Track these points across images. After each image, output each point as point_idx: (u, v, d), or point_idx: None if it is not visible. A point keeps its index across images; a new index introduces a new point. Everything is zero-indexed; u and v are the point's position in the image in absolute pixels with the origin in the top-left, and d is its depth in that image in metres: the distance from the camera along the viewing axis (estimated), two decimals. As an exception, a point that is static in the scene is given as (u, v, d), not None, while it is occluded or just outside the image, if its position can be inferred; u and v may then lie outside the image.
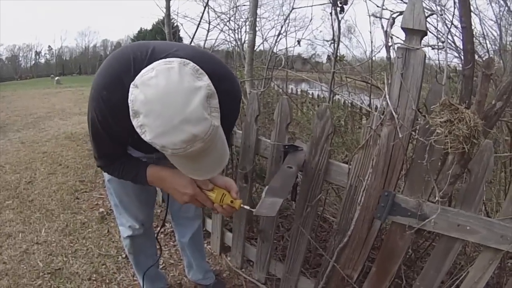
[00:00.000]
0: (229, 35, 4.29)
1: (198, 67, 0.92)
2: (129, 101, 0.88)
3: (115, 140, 1.18)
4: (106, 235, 2.78)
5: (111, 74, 1.08)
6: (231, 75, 1.22)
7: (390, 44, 1.28)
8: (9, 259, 2.44)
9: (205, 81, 0.90)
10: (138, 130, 0.88)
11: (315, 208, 1.78)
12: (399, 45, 1.28)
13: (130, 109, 0.88)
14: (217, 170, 1.07)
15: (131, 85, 0.89)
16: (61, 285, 2.20)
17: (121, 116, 0.98)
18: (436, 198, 1.31)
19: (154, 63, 0.91)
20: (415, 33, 1.24)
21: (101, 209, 3.20)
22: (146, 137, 0.87)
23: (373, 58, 2.43)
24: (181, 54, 1.03)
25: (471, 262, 1.61)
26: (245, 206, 1.23)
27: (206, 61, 1.08)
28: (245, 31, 4.40)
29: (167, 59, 0.92)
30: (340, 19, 1.86)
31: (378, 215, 1.47)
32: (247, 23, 4.32)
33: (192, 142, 0.86)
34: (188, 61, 0.91)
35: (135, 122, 0.88)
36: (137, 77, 0.89)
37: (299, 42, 2.50)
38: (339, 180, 1.66)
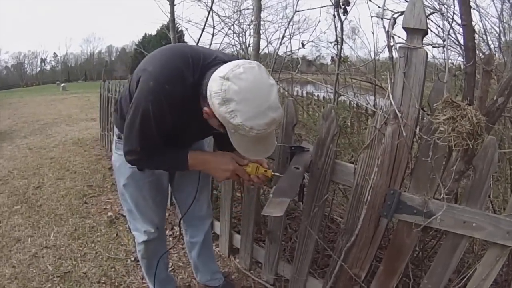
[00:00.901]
0: (233, 39, 4.31)
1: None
2: (218, 91, 1.05)
3: (163, 132, 1.28)
4: (115, 239, 2.80)
5: (173, 69, 1.20)
6: None
7: (392, 44, 1.30)
8: (19, 263, 2.47)
9: (273, 79, 1.13)
10: (227, 115, 1.05)
11: (322, 208, 1.79)
12: (401, 44, 1.29)
13: (219, 98, 1.05)
14: (270, 151, 1.25)
15: (219, 77, 1.06)
16: (70, 288, 2.22)
17: (177, 108, 1.21)
18: (442, 195, 1.31)
19: (237, 61, 1.11)
20: (416, 32, 1.25)
21: (109, 213, 3.22)
22: (237, 120, 1.05)
23: (377, 59, 2.44)
24: (225, 58, 1.24)
25: (479, 260, 1.61)
26: (276, 173, 1.46)
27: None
28: (250, 35, 4.42)
29: (246, 60, 1.13)
30: (343, 20, 1.87)
31: (385, 213, 1.48)
32: (251, 27, 4.34)
33: (271, 124, 1.10)
34: (259, 64, 1.13)
35: (223, 109, 1.05)
36: (227, 72, 1.05)
37: (303, 44, 2.51)
38: (345, 180, 1.67)
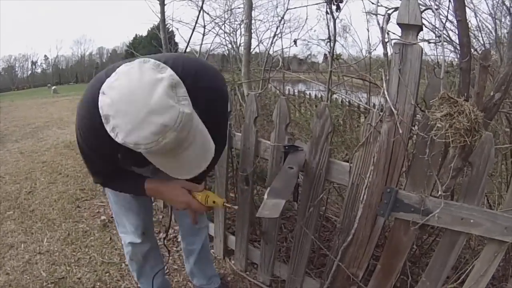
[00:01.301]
0: (224, 38, 4.29)
1: (159, 62, 0.93)
2: (100, 108, 0.89)
3: (104, 159, 1.19)
4: (108, 243, 2.77)
5: (88, 102, 1.09)
6: (212, 72, 1.22)
7: (386, 40, 1.28)
8: (12, 270, 2.42)
9: (167, 73, 0.90)
10: (111, 134, 0.88)
11: (318, 208, 1.77)
12: (396, 40, 1.28)
13: (102, 115, 0.89)
14: (202, 166, 1.03)
15: (100, 94, 0.90)
16: (65, 294, 2.18)
17: (102, 137, 0.96)
18: (439, 193, 1.30)
19: (120, 67, 0.93)
20: (411, 28, 1.24)
21: (102, 217, 3.18)
22: (119, 138, 0.87)
23: (370, 56, 2.43)
24: (169, 63, 1.01)
25: (476, 255, 1.60)
26: (228, 205, 1.30)
27: (187, 61, 1.15)
28: (240, 34, 4.40)
29: (129, 61, 0.94)
30: (336, 17, 1.86)
31: (381, 212, 1.46)
32: (241, 26, 4.33)
33: (163, 132, 0.85)
34: (148, 59, 0.93)
35: (108, 128, 0.89)
36: (104, 84, 0.90)
37: (295, 42, 2.49)
38: (340, 178, 1.65)
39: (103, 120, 0.89)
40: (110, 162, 1.21)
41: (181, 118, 0.87)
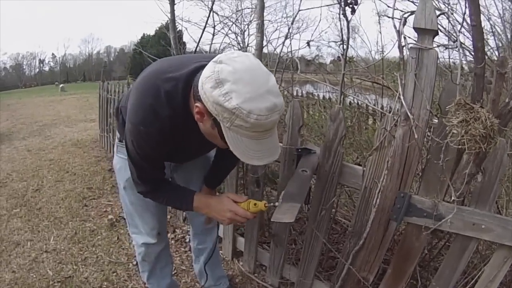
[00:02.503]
0: (234, 39, 4.30)
1: None
2: (211, 74, 0.96)
3: (153, 165, 1.30)
4: (116, 242, 2.77)
5: (143, 109, 1.14)
6: None
7: (403, 44, 1.27)
8: (18, 268, 2.43)
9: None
10: (220, 98, 0.93)
11: (330, 211, 1.77)
12: (412, 45, 1.27)
13: (212, 81, 0.95)
14: (275, 154, 1.10)
15: (212, 62, 0.98)
16: (71, 293, 2.19)
17: (157, 143, 1.17)
18: (452, 198, 1.30)
19: (232, 51, 1.07)
20: (427, 32, 1.23)
21: (110, 216, 3.19)
22: (232, 102, 0.92)
23: (382, 58, 2.42)
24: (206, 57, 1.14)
25: (484, 260, 1.60)
26: (271, 204, 1.33)
27: None
28: (248, 34, 4.40)
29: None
30: (349, 20, 1.85)
31: (394, 216, 1.46)
32: (250, 26, 4.33)
33: (273, 111, 0.96)
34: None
35: (217, 92, 0.94)
36: (220, 56, 0.99)
37: (308, 43, 2.48)
38: (353, 182, 1.64)
39: (212, 84, 0.95)
40: (160, 168, 1.34)
41: (283, 105, 1.00)
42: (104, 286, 2.26)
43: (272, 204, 1.33)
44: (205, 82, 0.97)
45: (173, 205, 1.47)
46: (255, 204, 1.30)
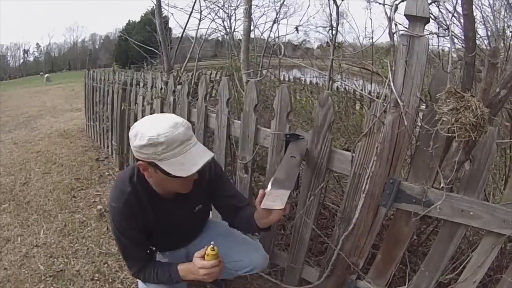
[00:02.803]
0: (220, 24, 4.25)
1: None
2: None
3: (135, 242, 1.45)
4: (105, 233, 2.76)
5: (113, 191, 1.44)
6: None
7: (394, 30, 1.26)
8: (10, 265, 2.40)
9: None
10: (137, 142, 1.22)
11: (318, 197, 1.77)
12: (403, 32, 1.26)
13: (130, 140, 1.28)
14: (206, 158, 1.27)
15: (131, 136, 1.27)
16: (64, 287, 2.18)
17: (128, 218, 1.39)
18: (441, 185, 1.31)
19: None
20: (419, 20, 1.23)
21: (98, 207, 3.17)
22: (144, 138, 1.20)
23: (371, 44, 2.41)
24: None
25: (472, 246, 1.62)
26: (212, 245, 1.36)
27: None
28: (235, 19, 4.35)
29: None
30: (339, 5, 1.83)
31: (384, 202, 1.47)
32: (237, 11, 4.28)
33: (176, 126, 1.23)
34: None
35: (134, 142, 1.24)
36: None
37: (297, 29, 2.46)
38: (342, 168, 1.65)
39: (131, 137, 1.26)
40: (141, 245, 1.50)
41: (187, 122, 1.29)
42: (96, 278, 2.25)
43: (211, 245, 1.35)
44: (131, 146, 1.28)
45: (164, 279, 1.46)
46: (207, 254, 1.35)
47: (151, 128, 1.21)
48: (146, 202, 1.43)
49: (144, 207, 1.42)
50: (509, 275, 1.35)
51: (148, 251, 1.55)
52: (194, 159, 1.25)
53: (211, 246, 1.34)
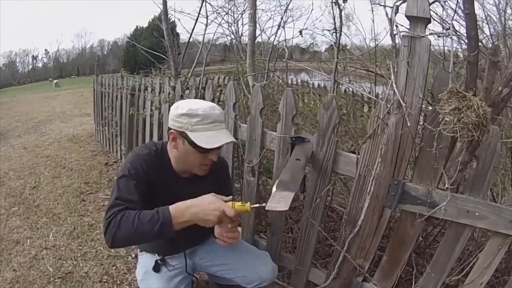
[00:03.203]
0: (227, 28, 4.27)
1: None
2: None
3: (135, 189, 1.35)
4: (114, 236, 2.77)
5: (140, 147, 1.58)
6: None
7: (395, 32, 1.27)
8: (19, 266, 2.44)
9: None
10: (177, 111, 1.38)
11: (324, 199, 1.78)
12: (404, 33, 1.27)
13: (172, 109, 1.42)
14: (230, 138, 1.42)
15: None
16: (72, 288, 2.20)
17: (142, 163, 1.42)
18: (446, 186, 1.31)
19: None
20: (420, 20, 1.24)
21: (108, 210, 3.19)
22: (184, 108, 1.36)
23: (375, 46, 2.42)
24: None
25: (480, 247, 1.61)
26: (256, 205, 1.31)
27: None
28: (242, 24, 4.38)
29: None
30: (342, 8, 1.84)
31: (388, 204, 1.47)
32: (243, 16, 4.30)
33: (213, 108, 1.40)
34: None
35: (174, 111, 1.39)
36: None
37: (300, 32, 2.48)
38: (347, 170, 1.66)
39: (172, 109, 1.41)
40: (137, 196, 1.34)
41: (222, 111, 1.46)
42: (104, 280, 2.27)
43: (258, 204, 1.30)
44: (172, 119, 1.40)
45: (146, 219, 1.21)
46: (241, 204, 1.27)
47: (192, 103, 1.40)
48: (160, 168, 1.47)
49: (159, 172, 1.46)
50: (517, 276, 1.34)
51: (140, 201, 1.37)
52: (220, 138, 1.38)
53: (250, 202, 1.29)
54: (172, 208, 1.23)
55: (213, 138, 1.36)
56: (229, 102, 2.11)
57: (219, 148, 1.42)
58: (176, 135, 1.41)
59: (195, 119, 1.35)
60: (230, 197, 1.34)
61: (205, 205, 1.24)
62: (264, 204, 1.25)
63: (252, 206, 1.28)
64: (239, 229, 1.39)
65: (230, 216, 1.25)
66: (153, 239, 1.26)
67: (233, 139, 1.45)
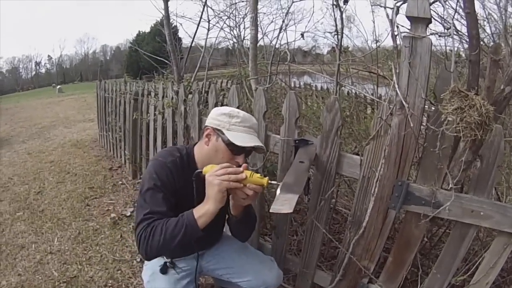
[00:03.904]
0: (229, 32, 4.28)
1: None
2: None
3: (162, 199, 1.39)
4: (119, 240, 2.79)
5: (163, 152, 1.58)
6: None
7: (396, 33, 1.28)
8: (24, 271, 2.45)
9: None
10: (220, 110, 1.47)
11: (329, 201, 1.78)
12: (405, 34, 1.27)
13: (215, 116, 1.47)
14: (261, 143, 1.48)
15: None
16: (77, 293, 2.21)
17: (169, 172, 1.43)
18: (450, 186, 1.30)
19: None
20: (420, 21, 1.24)
21: (112, 215, 3.21)
22: (228, 108, 1.48)
23: (377, 47, 2.42)
24: None
25: (485, 247, 1.61)
26: (273, 181, 1.32)
27: None
28: (244, 28, 4.40)
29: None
30: (343, 10, 1.85)
31: (393, 205, 1.47)
32: (245, 19, 4.32)
33: (252, 116, 1.50)
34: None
35: (217, 111, 1.48)
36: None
37: (302, 35, 2.48)
38: (351, 172, 1.65)
39: (213, 110, 1.50)
40: (165, 205, 1.38)
41: (256, 122, 1.55)
42: (109, 284, 2.28)
43: (275, 182, 1.32)
44: (214, 118, 1.47)
45: (174, 227, 1.29)
46: (259, 177, 1.29)
47: (234, 108, 1.54)
48: (186, 172, 1.45)
49: (183, 175, 1.46)
50: (523, 276, 1.34)
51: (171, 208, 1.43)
52: (252, 140, 1.44)
53: (268, 178, 1.30)
54: (195, 209, 1.32)
55: (247, 139, 1.42)
56: (232, 106, 2.12)
57: (249, 152, 1.50)
58: (211, 132, 1.46)
59: (235, 120, 1.43)
60: (245, 165, 1.35)
61: (208, 182, 1.29)
62: (280, 183, 1.31)
63: (270, 181, 1.30)
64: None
65: (236, 171, 1.29)
66: (186, 243, 1.31)
67: (264, 146, 1.51)
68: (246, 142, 1.41)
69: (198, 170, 1.37)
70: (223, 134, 1.42)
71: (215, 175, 1.27)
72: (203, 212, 1.29)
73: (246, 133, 1.44)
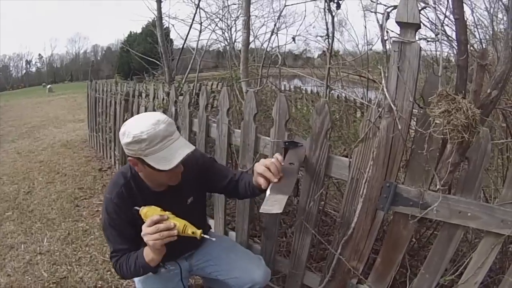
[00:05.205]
0: (221, 35, 4.29)
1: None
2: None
3: (123, 235, 1.47)
4: (109, 241, 2.78)
5: (110, 183, 1.56)
6: None
7: (386, 38, 1.30)
8: (13, 271, 2.43)
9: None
10: (124, 140, 1.32)
11: (318, 203, 1.79)
12: (395, 38, 1.29)
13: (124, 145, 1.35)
14: (186, 151, 1.35)
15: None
16: (67, 293, 2.20)
17: (119, 206, 1.45)
18: (437, 187, 1.32)
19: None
20: (410, 26, 1.26)
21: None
22: (130, 135, 1.30)
23: (368, 52, 2.45)
24: None
25: (473, 248, 1.63)
26: (206, 236, 1.33)
27: None
28: (235, 30, 4.40)
29: None
30: (334, 14, 1.87)
31: (381, 206, 1.49)
32: (237, 22, 4.33)
33: (158, 123, 1.32)
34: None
35: (122, 140, 1.34)
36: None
37: (293, 39, 2.50)
38: (340, 173, 1.67)
39: (120, 136, 1.35)
40: (128, 239, 1.47)
41: (169, 119, 1.38)
42: (99, 285, 2.27)
43: (208, 237, 1.32)
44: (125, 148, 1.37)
45: (132, 262, 1.41)
46: (192, 232, 1.29)
47: (135, 126, 1.31)
48: (137, 195, 1.49)
49: (135, 199, 1.47)
50: (510, 275, 1.35)
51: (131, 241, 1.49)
52: (176, 153, 1.34)
53: (201, 231, 1.31)
54: (144, 252, 1.37)
55: (169, 157, 1.33)
56: (223, 108, 2.13)
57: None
58: (134, 161, 1.39)
59: (144, 144, 1.30)
60: (168, 213, 1.34)
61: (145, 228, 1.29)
62: (213, 239, 1.35)
63: (203, 235, 1.31)
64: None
65: (168, 227, 1.27)
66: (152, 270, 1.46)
67: (192, 147, 1.39)
68: (170, 161, 1.32)
69: (136, 208, 1.40)
70: (145, 161, 1.34)
71: (147, 234, 1.27)
72: (150, 258, 1.36)
73: (164, 149, 1.33)
